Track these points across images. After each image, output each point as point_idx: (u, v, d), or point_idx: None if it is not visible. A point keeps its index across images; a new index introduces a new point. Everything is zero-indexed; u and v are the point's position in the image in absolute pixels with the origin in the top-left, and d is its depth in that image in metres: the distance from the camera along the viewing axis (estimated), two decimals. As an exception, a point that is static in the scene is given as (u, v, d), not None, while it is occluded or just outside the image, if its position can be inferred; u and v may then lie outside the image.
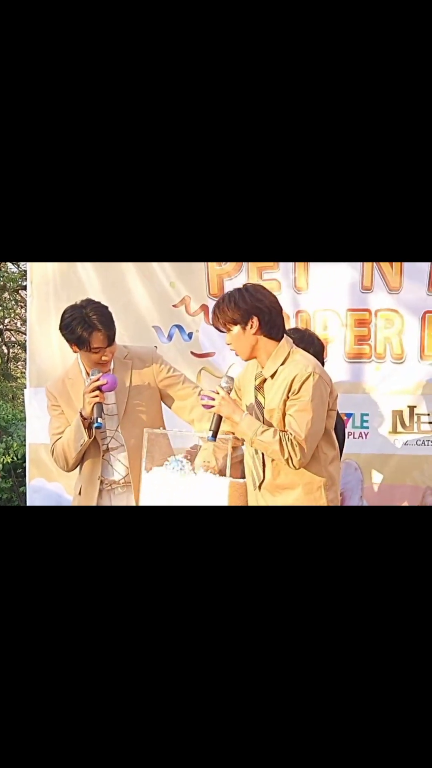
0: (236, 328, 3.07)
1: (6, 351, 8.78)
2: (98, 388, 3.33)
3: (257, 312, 3.04)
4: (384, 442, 4.32)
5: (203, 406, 3.18)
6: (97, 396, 3.33)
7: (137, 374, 3.52)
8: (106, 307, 3.45)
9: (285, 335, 3.13)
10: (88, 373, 3.47)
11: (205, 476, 3.25)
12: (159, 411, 3.58)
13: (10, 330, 8.95)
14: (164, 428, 3.48)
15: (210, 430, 3.13)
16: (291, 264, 4.40)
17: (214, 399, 3.10)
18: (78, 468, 3.55)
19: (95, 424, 3.33)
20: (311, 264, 4.39)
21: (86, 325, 3.35)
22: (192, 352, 4.46)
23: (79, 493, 3.53)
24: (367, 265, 4.34)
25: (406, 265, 4.31)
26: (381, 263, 4.33)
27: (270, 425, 3.05)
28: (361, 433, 4.35)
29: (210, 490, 3.21)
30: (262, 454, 3.09)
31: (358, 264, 4.35)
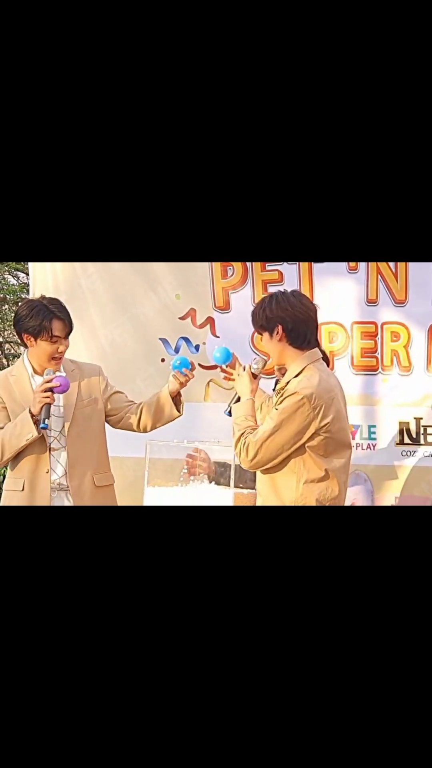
0: (265, 335, 3.21)
1: (6, 363, 8.77)
2: (50, 389, 3.39)
3: (281, 321, 3.17)
4: (391, 453, 4.33)
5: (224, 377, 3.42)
6: (48, 397, 3.39)
7: (85, 386, 3.61)
8: (60, 301, 3.60)
9: (315, 349, 3.22)
10: (35, 371, 3.56)
11: (209, 488, 3.29)
12: (103, 426, 3.67)
13: (9, 342, 8.96)
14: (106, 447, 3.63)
15: (228, 405, 3.34)
16: (296, 277, 4.42)
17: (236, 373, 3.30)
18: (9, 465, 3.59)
19: (41, 425, 3.39)
20: (316, 277, 4.41)
21: (47, 313, 3.48)
22: (199, 365, 4.45)
23: (22, 489, 3.54)
24: (372, 278, 4.36)
25: (411, 277, 4.33)
26: (386, 276, 4.35)
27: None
28: (369, 444, 4.37)
29: (214, 502, 3.25)
30: None
31: (363, 277, 4.37)
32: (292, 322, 3.16)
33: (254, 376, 3.32)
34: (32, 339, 3.51)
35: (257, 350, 4.42)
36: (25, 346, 3.59)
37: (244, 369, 3.31)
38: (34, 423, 3.41)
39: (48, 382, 3.41)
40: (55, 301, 3.58)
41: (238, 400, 3.30)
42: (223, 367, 3.55)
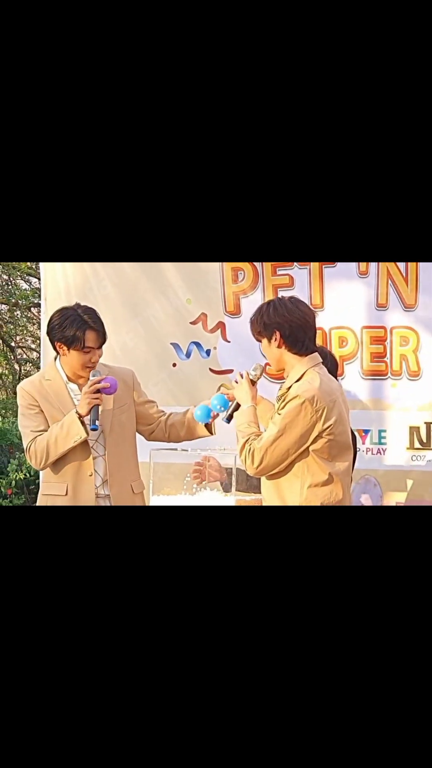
0: (264, 340, 3.23)
1: (18, 368, 8.80)
2: (99, 390, 3.38)
3: (278, 327, 3.17)
4: (401, 458, 4.34)
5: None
6: (97, 398, 3.38)
7: (120, 391, 3.54)
8: (96, 311, 3.53)
9: (315, 353, 3.21)
10: (69, 379, 3.52)
11: (213, 496, 3.31)
12: (134, 432, 3.64)
13: (22, 347, 8.98)
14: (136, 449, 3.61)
15: (228, 412, 3.35)
16: (306, 281, 4.43)
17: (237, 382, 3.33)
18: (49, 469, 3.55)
19: (91, 426, 3.37)
20: (326, 281, 4.42)
21: (81, 323, 3.43)
22: (210, 369, 4.48)
23: (65, 494, 3.51)
24: (383, 282, 4.38)
25: (421, 282, 4.35)
26: (396, 280, 4.36)
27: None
28: (379, 449, 4.38)
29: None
30: None
31: (373, 281, 4.38)
32: (290, 329, 3.16)
33: (252, 383, 3.31)
34: (65, 348, 3.47)
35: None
36: (58, 354, 3.55)
37: (242, 376, 3.32)
38: (82, 424, 3.40)
39: (97, 382, 3.40)
40: (90, 311, 3.50)
41: (238, 406, 3.30)
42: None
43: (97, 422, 3.37)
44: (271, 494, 3.18)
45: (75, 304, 3.56)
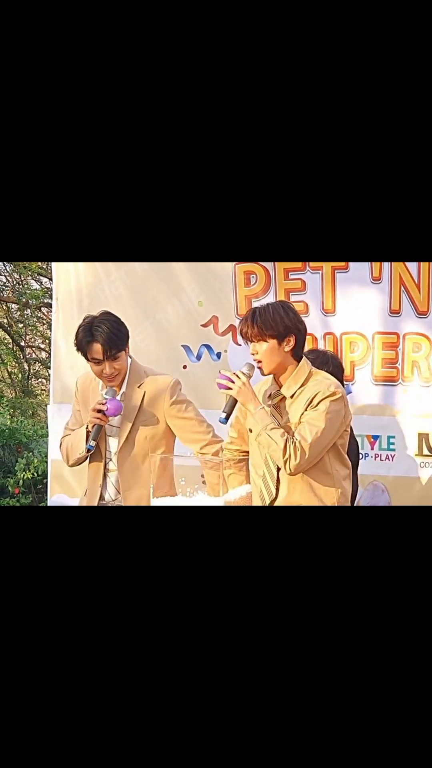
0: (272, 342, 3.13)
1: (27, 368, 8.82)
2: (101, 410, 3.36)
3: (296, 332, 3.13)
4: (410, 464, 4.33)
5: (219, 386, 3.23)
6: (99, 418, 3.36)
7: (149, 404, 3.49)
8: (119, 322, 3.43)
9: (304, 356, 3.21)
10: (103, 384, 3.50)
11: (206, 498, 3.32)
12: (164, 442, 3.55)
13: (31, 347, 9.00)
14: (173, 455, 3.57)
15: (224, 411, 3.21)
16: (319, 286, 4.42)
17: (233, 382, 3.17)
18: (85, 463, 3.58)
19: (87, 445, 3.38)
20: (339, 286, 4.42)
21: (87, 334, 3.38)
22: (221, 372, 4.46)
23: (85, 494, 3.57)
24: (395, 288, 4.37)
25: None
26: (408, 287, 4.35)
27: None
28: (387, 455, 4.37)
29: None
30: (277, 472, 3.14)
31: (386, 287, 4.37)
32: (302, 335, 3.17)
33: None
34: (83, 357, 3.46)
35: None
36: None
37: (239, 377, 3.19)
38: (86, 441, 3.40)
39: (101, 403, 3.37)
40: (103, 322, 3.40)
41: (234, 403, 3.20)
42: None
43: (92, 442, 3.37)
44: (307, 496, 3.13)
45: (99, 312, 3.49)
